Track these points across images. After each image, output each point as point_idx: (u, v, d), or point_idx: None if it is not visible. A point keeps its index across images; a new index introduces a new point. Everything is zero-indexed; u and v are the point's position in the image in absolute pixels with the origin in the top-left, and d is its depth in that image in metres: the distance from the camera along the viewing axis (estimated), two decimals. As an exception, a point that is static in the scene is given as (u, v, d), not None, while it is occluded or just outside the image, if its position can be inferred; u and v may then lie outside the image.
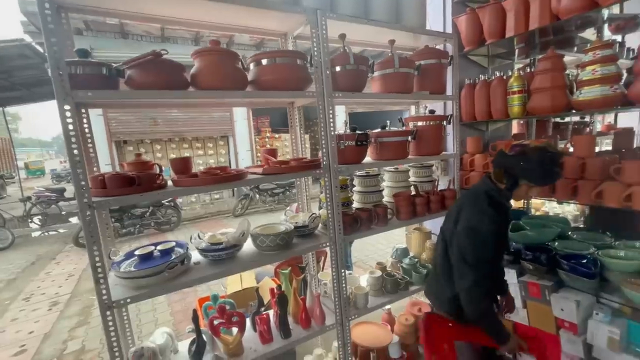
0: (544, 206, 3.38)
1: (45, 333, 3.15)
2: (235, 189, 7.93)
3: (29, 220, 7.15)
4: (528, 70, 1.97)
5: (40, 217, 7.02)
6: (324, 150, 1.57)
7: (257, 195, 7.54)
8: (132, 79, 1.20)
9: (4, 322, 3.41)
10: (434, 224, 2.41)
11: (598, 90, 1.52)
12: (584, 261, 1.61)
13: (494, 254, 1.33)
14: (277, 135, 8.69)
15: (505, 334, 1.34)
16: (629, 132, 1.86)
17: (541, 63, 1.75)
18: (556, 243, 1.80)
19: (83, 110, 1.33)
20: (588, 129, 2.81)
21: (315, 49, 1.49)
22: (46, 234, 6.92)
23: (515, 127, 2.67)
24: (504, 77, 1.98)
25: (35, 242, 6.46)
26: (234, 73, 1.35)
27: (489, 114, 2.05)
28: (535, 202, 3.02)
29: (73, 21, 5.54)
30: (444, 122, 1.98)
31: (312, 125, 9.84)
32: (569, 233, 1.92)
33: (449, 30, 2.19)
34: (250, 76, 1.46)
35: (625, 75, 1.60)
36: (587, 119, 2.86)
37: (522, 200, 2.63)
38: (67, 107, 1.05)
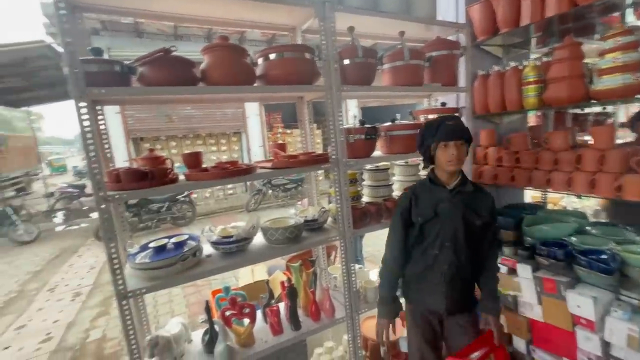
0: (561, 201, 3.28)
1: (69, 322, 3.30)
2: (248, 184, 8.03)
3: (53, 215, 7.48)
4: (545, 59, 1.90)
5: (63, 212, 7.33)
6: (333, 144, 1.57)
7: (270, 191, 7.61)
8: (143, 76, 1.23)
9: (31, 311, 3.59)
10: (446, 219, 2.38)
11: (619, 78, 1.45)
12: (603, 257, 1.55)
13: (401, 223, 1.39)
14: (289, 131, 8.71)
15: (381, 303, 1.42)
16: (653, 123, 1.77)
17: (558, 52, 1.69)
18: (573, 238, 1.75)
19: (98, 108, 1.38)
20: (610, 120, 2.69)
21: (324, 42, 1.48)
22: (69, 228, 7.22)
23: (531, 119, 2.59)
24: (519, 67, 1.92)
25: (58, 236, 6.75)
26: (242, 68, 1.36)
27: (503, 106, 1.99)
28: (552, 196, 2.94)
29: (90, 22, 5.69)
30: (456, 115, 1.94)
31: (325, 120, 9.82)
32: (587, 228, 1.85)
33: (462, 20, 2.13)
34: (258, 71, 1.47)
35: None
36: (609, 109, 2.74)
37: (540, 194, 2.56)
38: (82, 104, 1.09)
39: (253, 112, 8.05)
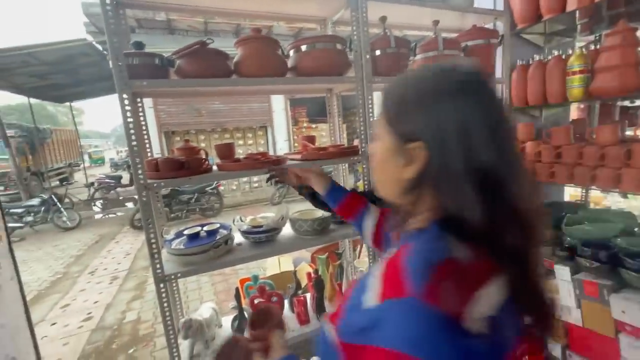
0: (605, 200, 3.07)
1: (107, 303, 3.53)
2: (273, 178, 8.14)
3: (93, 204, 7.99)
4: (592, 47, 1.77)
5: (101, 201, 7.81)
6: (362, 136, 1.55)
7: (294, 185, 7.68)
8: (181, 68, 1.27)
9: (74, 292, 3.87)
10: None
11: (680, 66, 1.33)
12: (654, 260, 1.44)
13: None
14: (314, 126, 8.73)
15: None
16: None
17: (609, 38, 1.57)
18: (619, 239, 1.63)
19: (138, 100, 1.45)
20: (664, 114, 2.47)
21: (355, 32, 1.46)
22: (106, 216, 7.68)
23: (574, 112, 2.43)
24: (563, 57, 1.80)
25: (97, 223, 7.19)
26: (275, 60, 1.37)
27: (543, 98, 1.88)
28: (595, 195, 2.75)
29: (127, 19, 5.95)
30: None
31: (350, 114, 9.74)
32: (636, 229, 1.73)
33: (500, 7, 2.03)
34: (290, 63, 1.47)
35: None
36: (664, 102, 2.52)
37: (580, 192, 2.41)
38: (125, 95, 1.14)
39: (279, 106, 8.13)
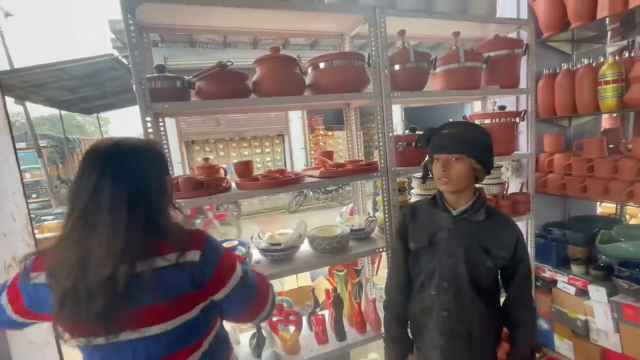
0: (642, 213, 2.88)
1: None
2: (290, 185, 8.18)
3: (117, 211, 8.25)
4: (626, 54, 1.67)
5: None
6: (381, 152, 1.52)
7: (311, 193, 7.68)
8: (201, 90, 1.29)
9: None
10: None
11: None
12: (702, 284, 1.33)
13: (400, 243, 1.19)
14: (330, 133, 8.74)
15: (386, 343, 1.27)
16: None
17: (645, 46, 1.48)
18: (662, 259, 1.52)
19: (160, 119, 1.48)
20: None
21: (373, 48, 1.45)
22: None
23: (605, 120, 2.31)
24: (594, 65, 1.71)
25: (122, 230, 7.41)
26: (293, 78, 1.37)
27: (573, 108, 1.80)
28: (631, 209, 2.58)
29: (150, 35, 6.19)
30: (517, 119, 1.78)
31: (366, 122, 9.69)
32: (680, 248, 1.60)
33: (523, 15, 1.96)
34: (307, 80, 1.47)
35: None
36: None
37: (615, 206, 2.27)
38: (148, 118, 1.17)
39: (295, 115, 8.19)
